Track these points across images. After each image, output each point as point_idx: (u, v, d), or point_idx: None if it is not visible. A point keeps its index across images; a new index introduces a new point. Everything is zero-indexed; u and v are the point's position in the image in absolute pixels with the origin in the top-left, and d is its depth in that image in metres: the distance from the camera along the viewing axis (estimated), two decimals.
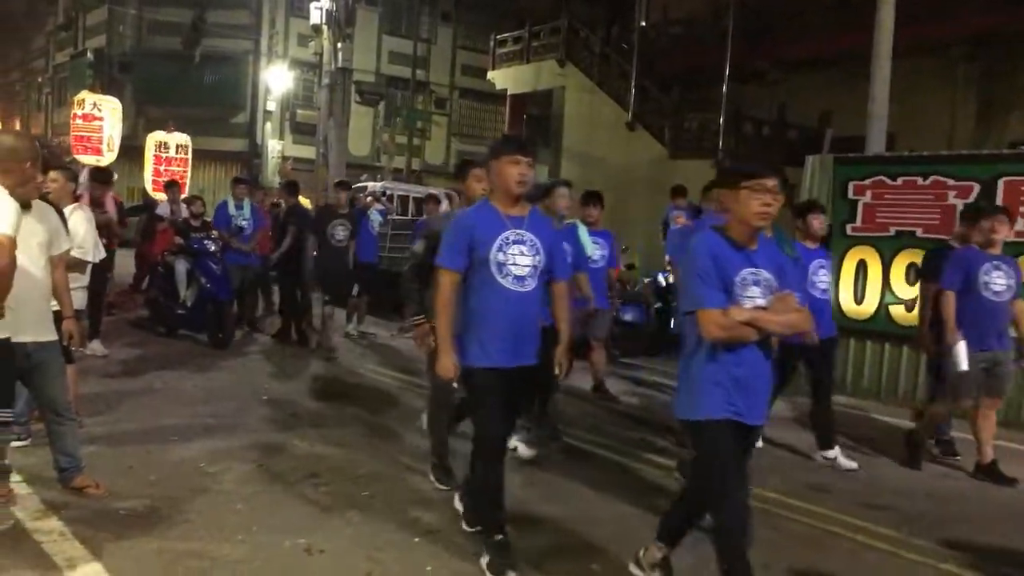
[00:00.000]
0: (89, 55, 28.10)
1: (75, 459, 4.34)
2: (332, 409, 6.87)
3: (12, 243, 3.49)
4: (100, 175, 9.15)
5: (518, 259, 3.75)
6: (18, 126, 34.93)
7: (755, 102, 19.57)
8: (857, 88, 10.72)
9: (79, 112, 12.39)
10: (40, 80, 35.36)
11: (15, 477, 4.36)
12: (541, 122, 23.59)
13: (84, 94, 13.06)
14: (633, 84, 19.10)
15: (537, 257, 3.79)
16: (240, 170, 28.43)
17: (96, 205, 8.17)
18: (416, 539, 4.18)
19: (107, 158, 12.38)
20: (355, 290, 10.67)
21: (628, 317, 10.61)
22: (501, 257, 3.72)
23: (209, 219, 9.96)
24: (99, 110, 12.47)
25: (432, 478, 5.02)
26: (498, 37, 23.85)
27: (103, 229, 8.02)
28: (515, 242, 3.76)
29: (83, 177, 9.09)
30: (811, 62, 17.83)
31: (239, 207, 10.02)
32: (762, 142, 18.21)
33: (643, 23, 21.14)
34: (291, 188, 10.50)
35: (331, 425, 6.31)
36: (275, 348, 9.66)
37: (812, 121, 17.40)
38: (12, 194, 3.61)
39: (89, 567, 3.52)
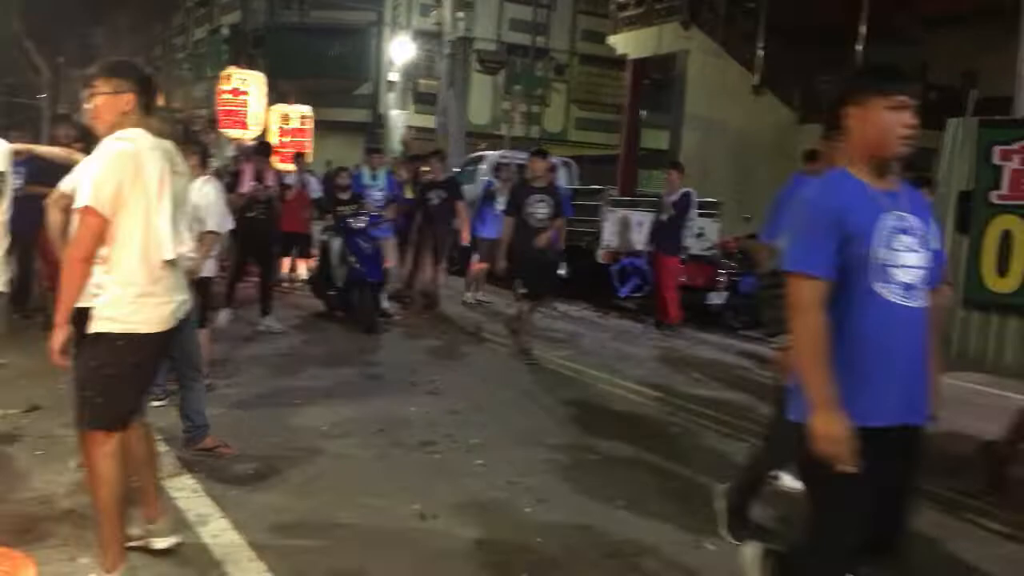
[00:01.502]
0: (224, 30, 29.32)
1: (203, 419, 4.58)
2: (449, 378, 6.97)
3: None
4: (262, 149, 9.28)
5: (906, 257, 2.48)
6: (160, 101, 36.82)
7: (895, 62, 18.51)
8: (1004, 46, 9.96)
9: (226, 87, 12.86)
10: (180, 56, 37.09)
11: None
12: (662, 87, 23.06)
13: (231, 69, 13.54)
14: (760, 45, 18.39)
15: (927, 254, 2.53)
16: (365, 141, 29.23)
17: (258, 179, 8.51)
18: (527, 509, 4.22)
19: (252, 131, 12.84)
20: (475, 257, 10.76)
21: (747, 288, 10.32)
22: (885, 255, 2.45)
23: (358, 192, 9.56)
24: (245, 84, 12.92)
25: (725, 531, 3.98)
26: (620, 1, 23.37)
27: (266, 204, 8.44)
28: (900, 231, 2.49)
29: (232, 150, 9.46)
30: (955, 18, 16.69)
31: (375, 177, 10.14)
32: None
33: None
34: (440, 156, 10.66)
35: (447, 393, 6.42)
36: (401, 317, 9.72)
37: (954, 82, 16.32)
38: None
39: (217, 523, 3.71)
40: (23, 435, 4.70)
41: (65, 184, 4.02)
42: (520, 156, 17.30)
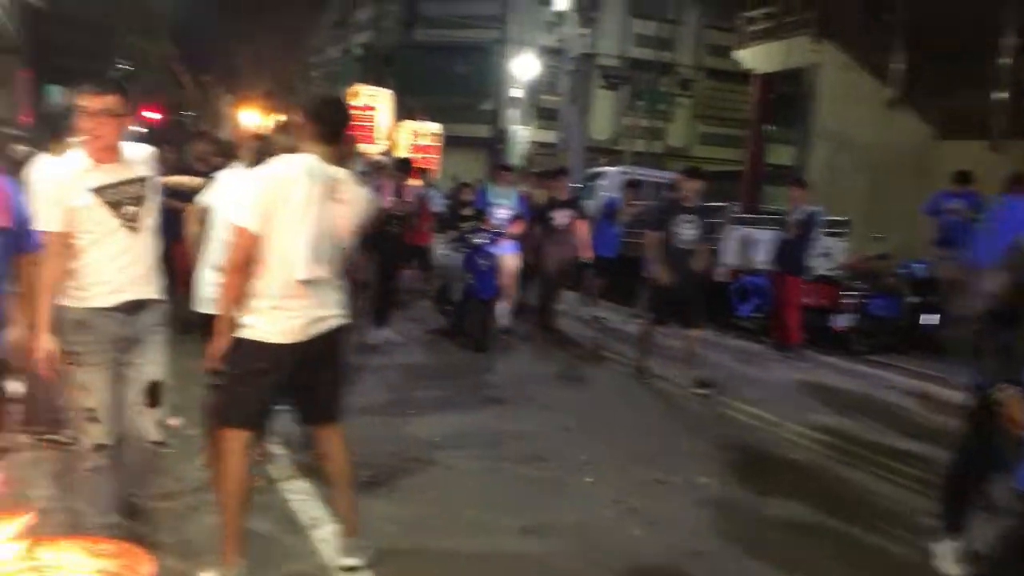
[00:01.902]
0: (357, 50, 30.47)
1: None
2: (563, 393, 6.99)
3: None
4: (403, 165, 9.34)
5: None
6: (296, 117, 38.55)
7: None
8: None
9: (356, 104, 13.38)
10: (315, 75, 38.73)
11: (272, 439, 4.82)
12: (790, 102, 22.42)
13: (359, 87, 14.09)
14: (896, 59, 17.64)
15: None
16: (487, 156, 29.68)
17: (398, 194, 8.68)
18: (635, 532, 4.16)
19: (378, 146, 13.33)
20: (593, 274, 10.65)
21: (878, 310, 9.89)
22: None
23: (480, 208, 9.41)
24: (374, 100, 13.44)
25: None
26: (747, 14, 22.91)
27: (406, 219, 8.64)
28: None
29: (361, 165, 9.77)
30: None
31: (503, 194, 9.88)
32: None
33: None
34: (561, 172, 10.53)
35: (559, 410, 6.41)
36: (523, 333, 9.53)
37: None
38: None
39: (330, 528, 3.82)
40: None
41: (202, 198, 4.27)
42: (642, 172, 17.20)
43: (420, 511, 4.17)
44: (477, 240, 8.66)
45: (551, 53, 25.80)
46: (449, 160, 27.41)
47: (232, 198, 4.00)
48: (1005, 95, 15.30)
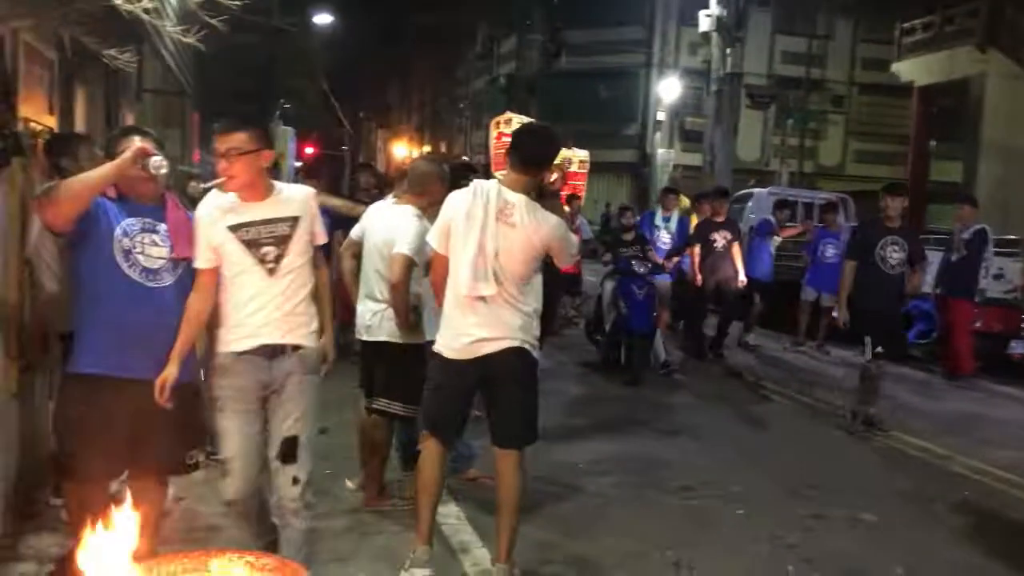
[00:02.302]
0: (502, 80, 31.12)
1: (470, 450, 4.79)
2: (713, 421, 6.81)
3: (408, 262, 3.96)
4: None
5: None
6: (443, 148, 39.76)
7: None
8: None
9: (506, 131, 13.53)
10: (461, 106, 39.82)
11: None
12: (953, 115, 21.18)
13: (509, 114, 14.19)
14: None
15: None
16: (632, 180, 29.53)
17: None
18: (790, 567, 3.98)
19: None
20: (756, 299, 10.26)
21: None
22: None
23: (642, 232, 9.04)
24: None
25: None
26: (905, 25, 21.85)
27: None
28: None
29: None
30: None
31: (667, 219, 9.81)
32: None
33: None
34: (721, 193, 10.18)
35: (710, 437, 6.26)
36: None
37: None
38: (426, 213, 4.09)
39: (479, 552, 3.87)
40: None
41: (355, 232, 4.45)
42: (792, 192, 16.62)
43: (569, 538, 4.15)
44: (636, 268, 8.20)
45: (696, 74, 25.46)
46: (594, 186, 27.54)
47: (384, 229, 4.17)
48: None
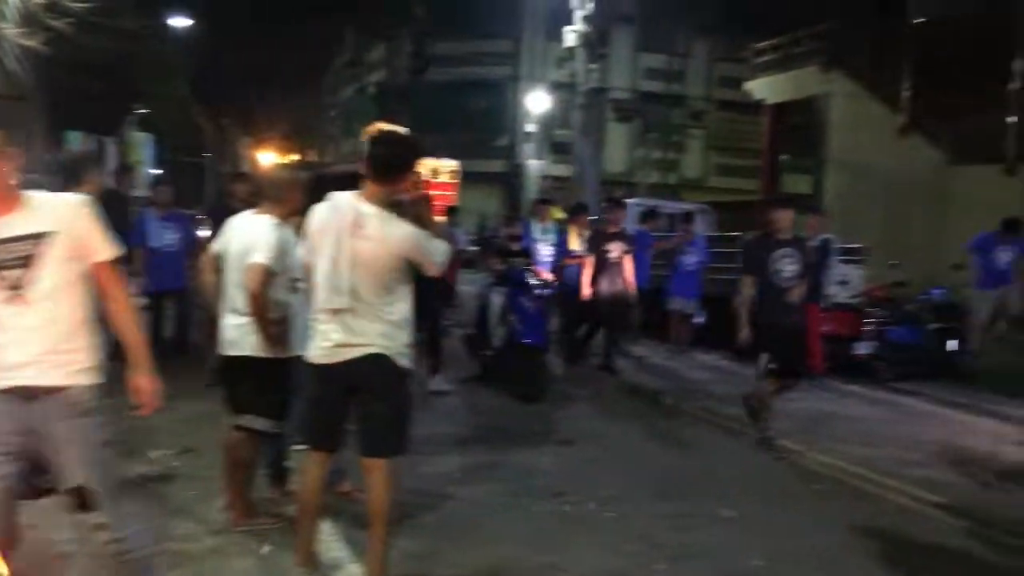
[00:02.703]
0: (371, 89, 30.85)
1: (338, 464, 4.70)
2: (588, 428, 6.90)
3: (264, 272, 3.90)
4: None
5: None
6: (314, 156, 39.03)
7: None
8: None
9: None
10: (332, 115, 39.24)
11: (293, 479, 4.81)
12: (802, 131, 22.50)
13: (380, 124, 14.03)
14: (908, 86, 17.69)
15: None
16: (502, 191, 29.83)
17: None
18: (659, 566, 4.11)
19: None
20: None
21: (898, 337, 9.80)
22: None
23: (527, 246, 8.87)
24: None
25: None
26: (757, 46, 23.09)
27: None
28: None
29: None
30: None
31: (545, 230, 9.69)
32: None
33: (918, 19, 19.51)
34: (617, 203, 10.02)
35: (584, 443, 6.36)
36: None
37: None
38: (287, 223, 4.03)
39: (352, 568, 3.80)
40: (176, 475, 4.98)
41: (215, 246, 4.31)
42: (657, 203, 17.18)
43: (444, 549, 4.13)
44: (525, 280, 7.97)
45: (563, 87, 26.02)
46: (465, 196, 27.64)
47: (242, 240, 4.06)
48: (1016, 119, 15.26)
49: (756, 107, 24.36)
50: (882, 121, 18.41)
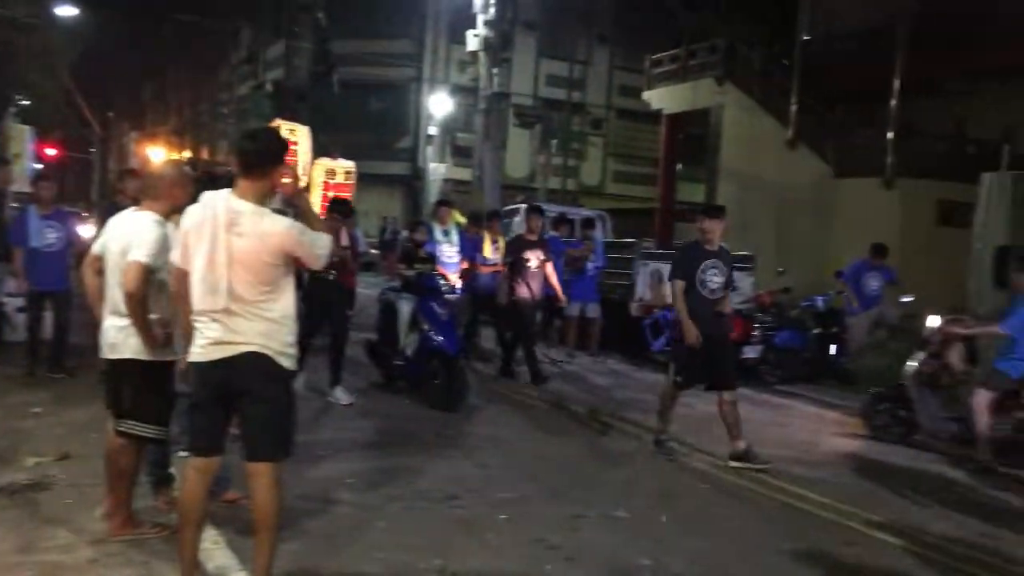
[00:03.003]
0: (268, 87, 30.12)
1: (227, 471, 4.58)
2: (484, 432, 6.90)
3: (143, 270, 3.79)
4: (339, 207, 8.09)
5: None
6: (206, 154, 37.88)
7: (930, 116, 18.47)
8: None
9: None
10: (225, 111, 38.15)
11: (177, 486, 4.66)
12: (698, 141, 23.20)
13: (278, 121, 13.60)
14: (795, 101, 18.46)
15: None
16: (403, 194, 29.63)
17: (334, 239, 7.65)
18: (548, 567, 4.16)
19: (302, 183, 12.93)
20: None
21: (783, 342, 10.20)
22: None
23: (431, 251, 8.75)
24: (294, 135, 12.96)
25: None
26: (654, 57, 23.69)
27: (343, 264, 7.58)
28: None
29: (277, 202, 9.25)
30: (994, 73, 16.62)
31: (446, 232, 9.60)
32: (936, 159, 17.13)
33: (806, 37, 20.41)
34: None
35: (480, 448, 6.37)
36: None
37: (993, 136, 16.22)
38: (170, 220, 3.91)
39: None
40: (53, 483, 4.75)
41: (96, 246, 4.14)
42: (556, 209, 17.37)
43: (332, 555, 4.08)
44: (435, 285, 7.87)
45: (466, 91, 26.07)
46: (366, 198, 27.31)
47: (122, 238, 3.93)
48: (893, 135, 16.12)
49: (654, 116, 24.97)
50: (772, 134, 19.15)
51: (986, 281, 8.27)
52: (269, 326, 3.36)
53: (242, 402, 3.39)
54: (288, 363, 3.41)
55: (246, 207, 3.33)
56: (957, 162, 16.15)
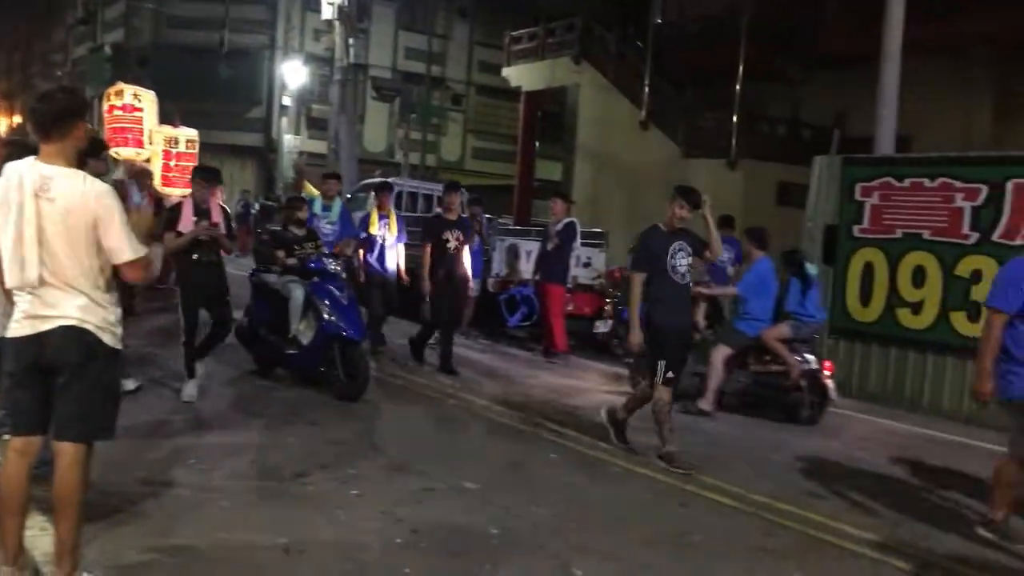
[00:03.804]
0: (107, 49, 28.36)
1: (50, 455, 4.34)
2: (335, 409, 6.79)
3: None
4: (205, 173, 7.04)
5: None
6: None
7: (771, 101, 19.44)
8: (873, 88, 10.59)
9: (118, 103, 12.07)
10: (59, 74, 35.66)
11: None
12: (556, 119, 23.55)
13: (121, 85, 12.73)
14: (647, 82, 19.01)
15: None
16: (256, 165, 28.64)
17: (199, 212, 6.60)
18: (398, 540, 4.17)
19: (147, 151, 12.11)
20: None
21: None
22: None
23: (313, 227, 8.16)
24: (139, 101, 12.15)
25: None
26: (513, 34, 23.80)
27: (213, 244, 6.69)
28: None
29: (120, 172, 8.64)
30: (828, 60, 17.64)
31: (326, 208, 9.10)
32: (777, 142, 18.08)
33: (659, 21, 21.03)
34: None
35: (329, 424, 6.28)
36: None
37: (827, 121, 17.25)
38: None
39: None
40: None
41: None
42: (413, 184, 17.29)
43: (171, 538, 3.93)
44: (332, 267, 7.32)
45: (321, 61, 25.42)
46: (219, 168, 26.26)
47: None
48: (737, 119, 16.88)
49: (513, 93, 25.13)
50: (626, 114, 19.64)
51: (816, 257, 8.81)
52: (87, 301, 3.19)
53: (55, 376, 3.21)
54: (111, 340, 3.25)
55: (56, 171, 3.14)
56: (795, 146, 17.11)
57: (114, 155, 9.91)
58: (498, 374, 8.78)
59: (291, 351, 7.27)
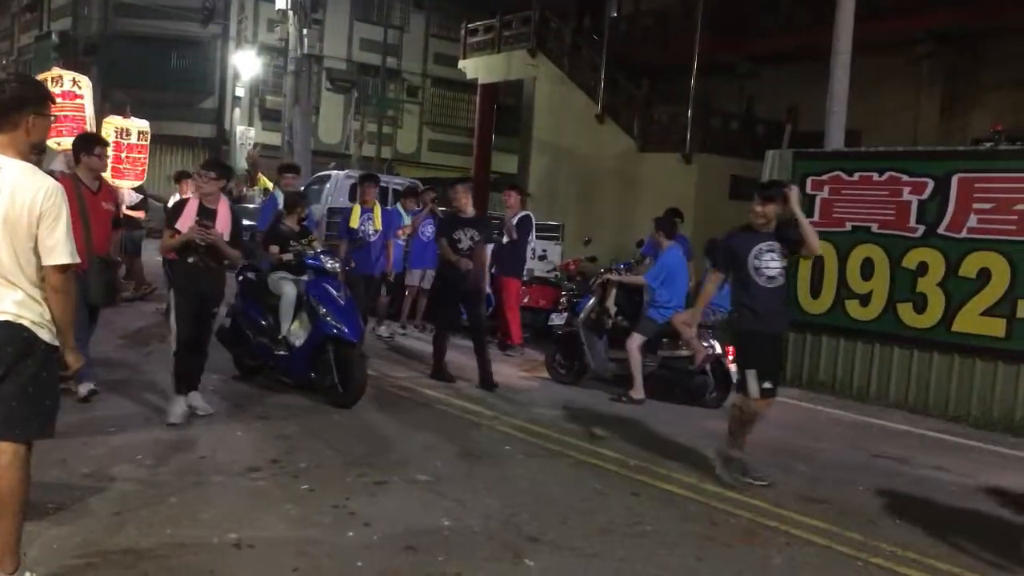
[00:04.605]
0: (54, 37, 27.65)
1: None
2: (286, 402, 6.74)
3: None
4: (219, 168, 6.42)
5: None
6: None
7: (725, 96, 19.62)
8: (824, 84, 10.75)
9: (57, 90, 11.76)
10: (4, 62, 34.71)
11: None
12: (512, 112, 23.52)
13: (58, 71, 12.39)
14: (603, 76, 19.06)
15: None
16: (208, 156, 28.16)
17: (203, 213, 5.97)
18: (350, 533, 4.15)
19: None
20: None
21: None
22: None
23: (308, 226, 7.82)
24: (79, 87, 11.83)
25: None
26: (469, 26, 23.71)
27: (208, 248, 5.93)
28: None
29: (60, 163, 8.42)
30: (780, 56, 17.87)
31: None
32: (731, 136, 18.26)
33: (614, 14, 21.10)
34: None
35: (279, 418, 6.23)
36: None
37: (780, 116, 17.48)
38: None
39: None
40: None
41: None
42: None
43: (117, 535, 3.86)
44: (330, 265, 7.01)
45: (275, 52, 25.06)
46: (168, 160, 25.80)
47: None
48: (692, 113, 17.02)
49: (470, 86, 25.04)
50: (582, 108, 19.68)
51: None
52: (25, 297, 3.10)
53: None
54: (48, 336, 3.15)
55: (6, 162, 3.05)
56: (748, 140, 17.29)
57: (54, 145, 9.63)
58: (453, 367, 8.75)
59: (280, 352, 6.91)
